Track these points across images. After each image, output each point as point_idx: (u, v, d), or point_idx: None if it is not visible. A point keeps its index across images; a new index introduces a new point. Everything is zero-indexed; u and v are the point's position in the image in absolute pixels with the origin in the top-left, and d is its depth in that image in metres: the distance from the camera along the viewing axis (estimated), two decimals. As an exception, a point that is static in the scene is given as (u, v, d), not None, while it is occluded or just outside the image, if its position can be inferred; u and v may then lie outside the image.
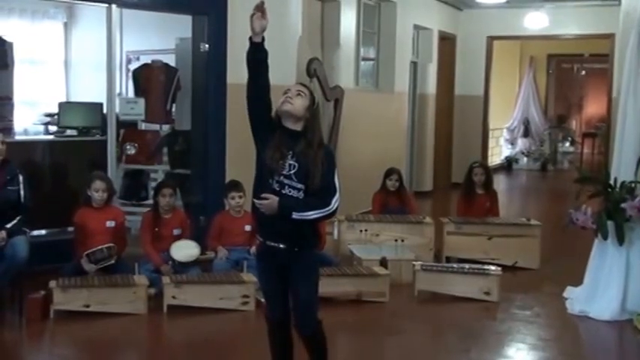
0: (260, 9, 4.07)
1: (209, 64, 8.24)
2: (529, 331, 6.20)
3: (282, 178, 4.11)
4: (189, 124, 8.87)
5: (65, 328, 5.97)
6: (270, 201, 4.06)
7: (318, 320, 4.30)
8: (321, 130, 4.34)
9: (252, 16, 4.07)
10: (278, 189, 4.11)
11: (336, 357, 4.97)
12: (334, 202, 4.15)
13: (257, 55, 4.12)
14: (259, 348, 5.68)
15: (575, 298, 6.84)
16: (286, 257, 4.18)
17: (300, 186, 4.12)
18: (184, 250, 6.98)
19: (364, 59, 11.87)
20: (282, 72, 8.57)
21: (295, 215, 4.08)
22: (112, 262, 6.66)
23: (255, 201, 4.12)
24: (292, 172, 4.12)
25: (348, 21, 10.73)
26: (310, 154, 4.12)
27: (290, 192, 4.12)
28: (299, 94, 4.16)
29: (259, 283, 4.48)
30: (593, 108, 21.96)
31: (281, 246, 4.17)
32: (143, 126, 9.28)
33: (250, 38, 4.11)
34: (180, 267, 6.88)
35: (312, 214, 4.11)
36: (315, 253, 4.37)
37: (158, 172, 9.18)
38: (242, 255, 7.18)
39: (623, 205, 6.46)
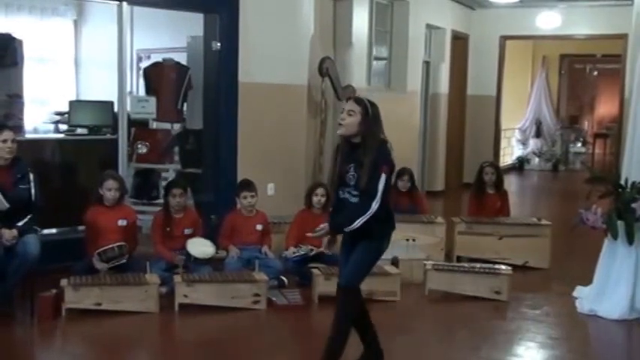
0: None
1: (221, 62, 8.25)
2: (539, 330, 6.20)
3: (349, 188, 4.73)
4: (200, 122, 8.89)
5: (77, 327, 5.99)
6: (324, 231, 4.84)
7: (357, 288, 4.81)
8: (378, 135, 4.71)
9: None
10: (347, 197, 4.76)
11: (347, 355, 4.97)
12: (374, 205, 4.62)
13: None
14: (270, 346, 5.73)
15: (585, 298, 6.84)
16: (352, 242, 4.80)
17: (358, 194, 4.71)
18: (200, 246, 7.01)
19: (376, 58, 11.86)
20: (294, 71, 8.44)
21: (347, 229, 4.72)
22: (124, 260, 6.68)
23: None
24: (352, 183, 4.70)
25: (361, 20, 10.71)
26: (364, 162, 4.60)
27: (355, 200, 4.72)
28: (350, 115, 4.65)
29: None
30: (605, 109, 21.88)
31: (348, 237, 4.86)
32: (154, 125, 9.27)
33: None
34: (194, 264, 6.91)
35: (358, 222, 4.64)
36: (371, 242, 4.79)
37: (169, 171, 9.19)
38: (253, 254, 7.21)
39: (633, 205, 6.47)
